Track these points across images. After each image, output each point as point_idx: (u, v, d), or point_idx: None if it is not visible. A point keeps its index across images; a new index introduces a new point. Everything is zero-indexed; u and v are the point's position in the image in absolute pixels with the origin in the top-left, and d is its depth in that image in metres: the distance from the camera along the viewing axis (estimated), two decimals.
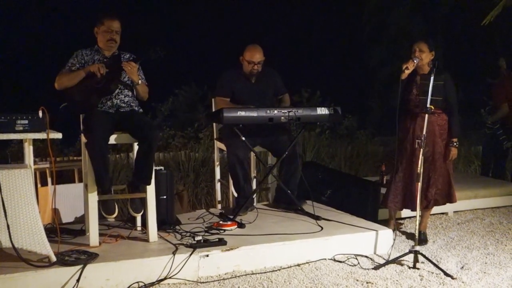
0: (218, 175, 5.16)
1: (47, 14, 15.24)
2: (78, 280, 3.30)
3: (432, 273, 3.76)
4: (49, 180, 4.97)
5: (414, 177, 4.39)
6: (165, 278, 3.51)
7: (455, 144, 4.47)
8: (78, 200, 4.74)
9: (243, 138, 4.53)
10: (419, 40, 4.48)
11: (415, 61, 4.30)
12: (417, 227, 4.01)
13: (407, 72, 4.27)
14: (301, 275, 3.70)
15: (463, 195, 5.58)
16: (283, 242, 3.93)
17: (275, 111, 4.51)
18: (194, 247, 3.70)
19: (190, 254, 3.61)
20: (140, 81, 4.09)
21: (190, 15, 16.72)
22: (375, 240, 4.15)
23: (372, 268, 3.83)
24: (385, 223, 4.64)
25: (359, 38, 13.67)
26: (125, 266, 3.48)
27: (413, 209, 4.45)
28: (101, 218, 3.90)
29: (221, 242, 3.81)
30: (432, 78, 4.00)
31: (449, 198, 4.60)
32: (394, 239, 4.24)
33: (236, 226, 4.27)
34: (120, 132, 3.94)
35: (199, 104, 10.62)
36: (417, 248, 3.90)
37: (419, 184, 3.98)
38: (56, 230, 3.65)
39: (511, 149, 6.64)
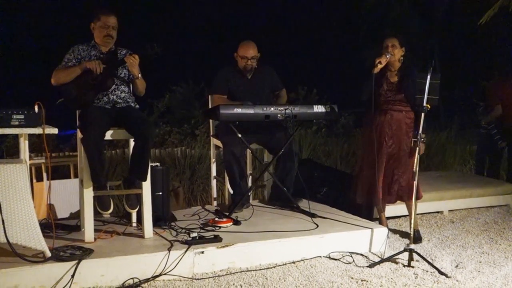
0: (214, 172, 5.16)
1: (43, 9, 15.19)
2: (73, 276, 3.29)
3: (427, 271, 3.77)
4: (44, 175, 4.96)
5: (379, 172, 4.43)
6: (160, 275, 3.51)
7: (422, 139, 4.49)
8: (73, 195, 4.73)
9: (240, 135, 4.53)
10: (391, 36, 4.54)
11: (387, 56, 4.36)
12: (412, 226, 4.03)
13: (380, 66, 4.33)
14: (296, 273, 3.70)
15: (458, 194, 5.61)
16: (279, 240, 3.93)
17: (272, 108, 4.52)
18: (189, 243, 3.70)
19: (185, 251, 3.61)
20: (139, 75, 4.08)
21: (187, 11, 16.70)
22: (370, 238, 4.16)
23: (367, 266, 3.84)
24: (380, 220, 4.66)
25: (356, 37, 13.68)
26: (120, 262, 3.47)
27: (375, 203, 4.56)
28: (96, 214, 3.90)
29: (216, 239, 3.82)
30: (428, 77, 4.00)
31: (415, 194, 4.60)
32: (389, 237, 4.25)
33: (231, 223, 4.27)
34: (116, 128, 3.94)
35: (195, 101, 10.61)
36: (412, 246, 3.91)
37: (415, 183, 3.99)
38: (51, 226, 3.64)
39: (506, 149, 6.66)
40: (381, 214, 4.67)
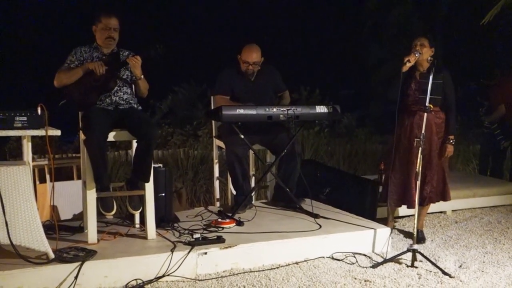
0: (216, 173, 5.16)
1: (46, 10, 15.22)
2: (76, 277, 3.30)
3: (430, 271, 3.76)
4: (47, 177, 4.97)
5: (410, 175, 4.40)
6: (163, 276, 3.51)
7: (451, 141, 4.48)
8: (76, 197, 4.74)
9: (242, 136, 4.53)
10: (420, 35, 4.51)
11: (416, 54, 4.29)
12: (415, 226, 4.01)
13: (408, 65, 4.25)
14: (299, 273, 3.70)
15: (462, 194, 5.59)
16: (282, 240, 3.93)
17: (274, 109, 4.51)
18: (192, 244, 3.70)
19: (189, 252, 3.61)
20: (142, 76, 4.09)
21: (189, 12, 16.71)
22: (373, 238, 4.15)
23: (370, 267, 3.83)
24: (383, 221, 4.65)
25: (358, 36, 13.67)
26: (123, 263, 3.48)
27: (410, 206, 4.47)
28: (99, 215, 3.90)
29: (219, 240, 3.82)
30: (431, 76, 4.00)
31: (443, 195, 4.60)
32: (393, 238, 4.24)
33: (234, 224, 4.27)
34: (119, 129, 3.94)
35: (198, 102, 10.63)
36: (415, 246, 3.90)
37: (418, 183, 3.98)
38: (55, 227, 3.65)
39: (509, 148, 6.65)
40: (390, 216, 4.68)
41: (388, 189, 4.53)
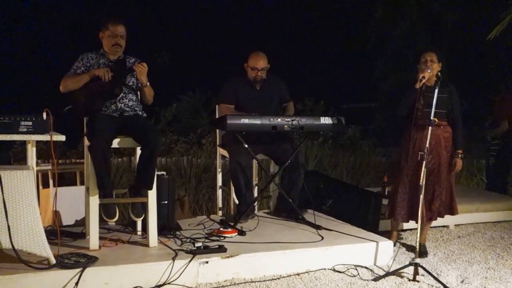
0: (219, 182, 5.15)
1: (52, 16, 15.31)
2: (77, 283, 3.29)
3: (432, 286, 3.74)
4: (51, 182, 4.97)
5: (419, 189, 4.38)
6: (164, 284, 3.50)
7: (460, 156, 4.47)
8: (79, 203, 4.74)
9: (246, 146, 4.53)
10: (429, 50, 4.48)
11: (428, 70, 4.28)
12: (418, 239, 4.00)
13: (423, 81, 4.24)
14: (300, 285, 3.68)
15: (465, 209, 5.56)
16: (283, 251, 3.92)
17: (279, 119, 4.52)
18: (194, 253, 3.69)
19: (190, 260, 3.60)
20: (148, 83, 4.10)
21: (195, 21, 16.79)
22: (375, 251, 4.14)
23: (372, 280, 3.81)
24: (386, 234, 4.63)
25: (363, 49, 13.70)
26: (124, 270, 3.47)
27: (416, 221, 4.45)
28: (101, 221, 3.90)
29: (221, 249, 3.81)
30: (436, 90, 4.00)
31: (451, 210, 4.60)
32: (396, 251, 4.23)
33: (236, 234, 4.26)
34: (123, 136, 3.95)
35: (202, 110, 10.66)
36: (418, 260, 3.88)
37: (421, 196, 3.97)
38: (57, 233, 3.64)
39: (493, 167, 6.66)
40: (395, 232, 4.66)
41: (396, 204, 4.50)
